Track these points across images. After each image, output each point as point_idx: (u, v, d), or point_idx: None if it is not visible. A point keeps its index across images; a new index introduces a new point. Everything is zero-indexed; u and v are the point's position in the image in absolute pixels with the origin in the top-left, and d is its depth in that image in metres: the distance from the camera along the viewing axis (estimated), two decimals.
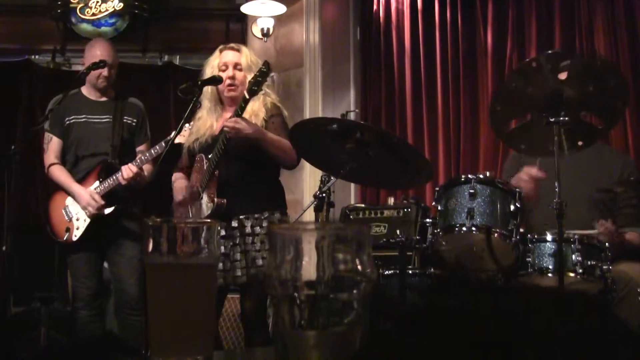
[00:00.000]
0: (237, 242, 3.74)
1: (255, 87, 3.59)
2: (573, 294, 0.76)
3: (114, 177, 4.43)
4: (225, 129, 3.67)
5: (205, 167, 3.81)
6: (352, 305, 0.84)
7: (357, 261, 0.84)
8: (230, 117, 3.71)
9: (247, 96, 3.61)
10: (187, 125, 4.18)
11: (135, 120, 4.70)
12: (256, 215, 3.76)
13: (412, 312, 0.76)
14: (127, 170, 4.35)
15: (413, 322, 0.73)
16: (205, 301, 1.10)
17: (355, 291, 0.84)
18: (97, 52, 4.59)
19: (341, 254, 0.84)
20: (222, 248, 3.74)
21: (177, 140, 4.18)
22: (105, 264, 4.68)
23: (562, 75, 3.21)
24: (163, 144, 4.25)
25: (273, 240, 0.87)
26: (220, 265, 3.73)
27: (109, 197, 4.47)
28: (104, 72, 4.57)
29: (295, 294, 0.83)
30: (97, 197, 4.42)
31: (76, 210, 4.50)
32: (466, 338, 0.69)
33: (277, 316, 0.85)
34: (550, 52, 3.26)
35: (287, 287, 0.83)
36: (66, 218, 4.52)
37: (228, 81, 3.88)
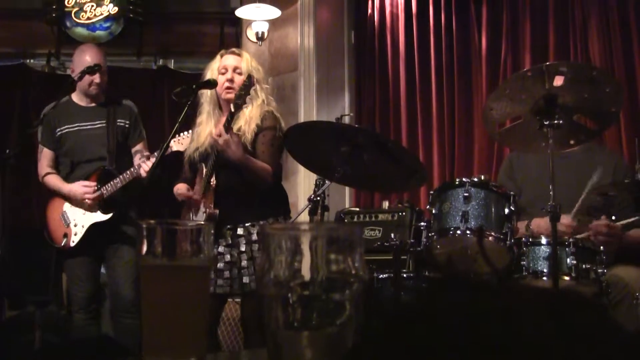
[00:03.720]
0: (244, 249, 3.74)
1: (238, 101, 3.59)
2: (567, 295, 0.76)
3: (112, 183, 4.43)
4: (214, 140, 3.66)
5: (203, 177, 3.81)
6: (345, 306, 0.84)
7: (350, 261, 0.85)
8: (224, 125, 3.69)
9: (232, 110, 3.61)
10: (185, 132, 4.17)
11: (127, 122, 4.68)
12: (262, 222, 3.75)
13: (405, 312, 0.76)
14: (145, 166, 4.31)
15: (405, 322, 0.73)
16: (199, 303, 1.10)
17: (347, 291, 0.84)
18: (87, 57, 4.56)
19: (333, 254, 0.84)
20: (228, 257, 3.74)
21: (176, 148, 4.17)
22: (103, 268, 4.68)
23: (558, 81, 3.21)
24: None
25: (266, 240, 0.87)
26: (227, 273, 3.74)
27: (107, 203, 4.46)
28: (96, 78, 4.54)
29: (289, 295, 0.83)
30: (87, 183, 4.42)
31: (74, 216, 4.49)
32: (459, 339, 0.69)
33: (269, 317, 0.85)
34: (548, 63, 3.26)
35: (281, 288, 0.84)
36: (64, 224, 4.52)
37: (226, 84, 3.87)
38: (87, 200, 4.44)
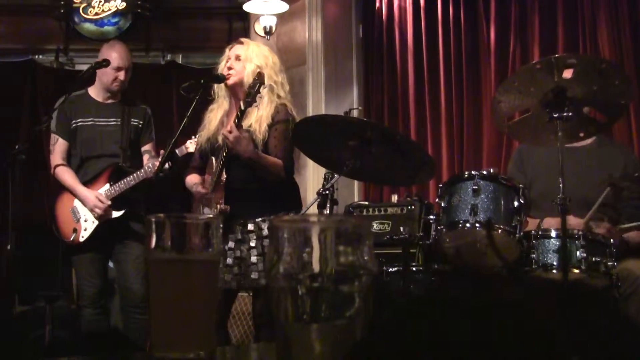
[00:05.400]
0: (254, 245, 3.72)
1: (248, 99, 3.56)
2: (574, 286, 0.76)
3: (125, 181, 4.45)
4: (224, 136, 3.64)
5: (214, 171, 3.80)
6: (354, 298, 0.84)
7: (359, 254, 0.84)
8: (233, 121, 3.66)
9: (242, 107, 3.59)
10: (193, 137, 4.18)
11: (141, 122, 4.72)
12: (272, 217, 3.70)
13: (413, 304, 0.76)
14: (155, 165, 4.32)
15: (414, 313, 0.73)
16: (207, 297, 1.10)
17: (356, 284, 0.84)
18: (114, 54, 4.60)
19: (342, 246, 0.84)
20: (238, 252, 3.73)
21: (192, 149, 4.18)
22: (111, 263, 4.69)
23: (567, 74, 3.19)
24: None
25: (274, 233, 0.87)
26: (236, 269, 3.73)
27: (118, 200, 4.48)
28: (120, 75, 4.59)
29: (298, 287, 0.83)
30: (103, 198, 4.43)
31: (84, 211, 4.50)
32: (466, 329, 0.69)
33: (278, 309, 0.85)
34: (557, 55, 3.24)
35: (289, 280, 0.83)
36: (73, 219, 4.52)
37: (224, 70, 3.88)
38: (95, 212, 4.46)
